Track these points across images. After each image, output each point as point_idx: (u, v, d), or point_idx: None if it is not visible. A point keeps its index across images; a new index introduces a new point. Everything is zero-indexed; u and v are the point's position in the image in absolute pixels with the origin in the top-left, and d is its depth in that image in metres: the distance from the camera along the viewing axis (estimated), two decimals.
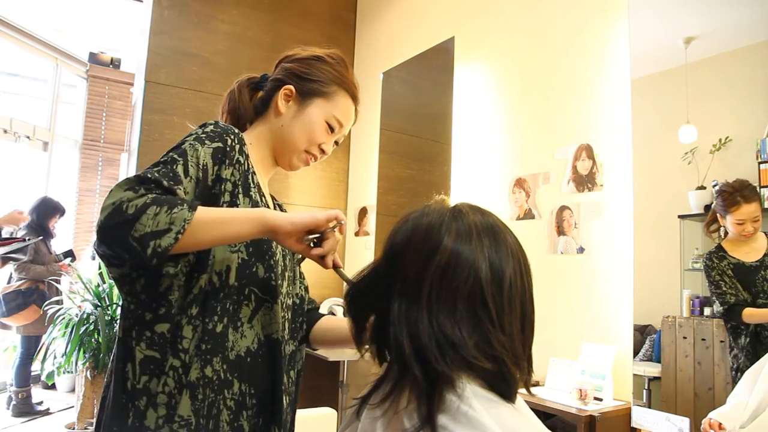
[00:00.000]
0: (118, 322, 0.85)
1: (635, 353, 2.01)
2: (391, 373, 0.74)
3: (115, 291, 3.45)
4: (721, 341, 1.82)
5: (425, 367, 0.68)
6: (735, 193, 1.78)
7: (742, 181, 1.80)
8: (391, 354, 0.74)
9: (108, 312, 3.33)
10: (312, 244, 0.89)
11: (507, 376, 0.70)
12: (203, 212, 0.81)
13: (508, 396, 0.70)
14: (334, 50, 1.13)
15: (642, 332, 2.05)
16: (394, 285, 0.74)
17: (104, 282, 3.51)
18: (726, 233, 1.82)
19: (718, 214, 1.83)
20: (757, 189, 1.77)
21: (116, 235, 0.77)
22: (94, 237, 4.52)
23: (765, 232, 1.78)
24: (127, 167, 4.14)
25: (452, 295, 0.70)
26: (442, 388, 0.67)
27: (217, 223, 0.83)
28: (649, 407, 1.91)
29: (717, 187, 1.84)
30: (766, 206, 1.74)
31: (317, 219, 0.87)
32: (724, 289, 1.80)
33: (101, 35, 5.74)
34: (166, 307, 0.88)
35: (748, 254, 1.79)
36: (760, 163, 1.76)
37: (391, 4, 3.70)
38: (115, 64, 5.83)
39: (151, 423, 0.85)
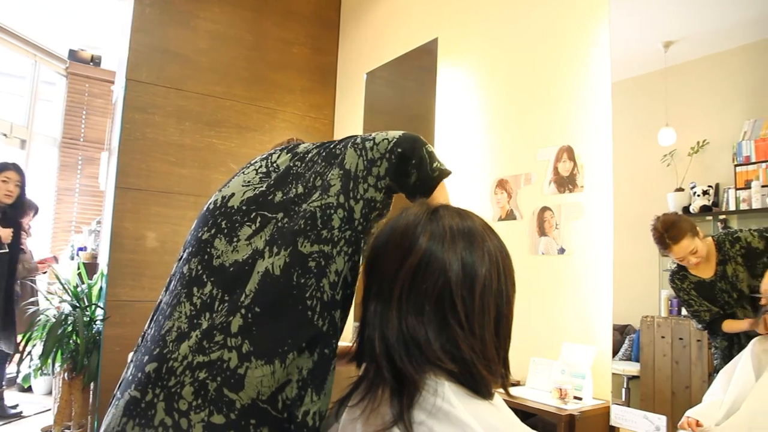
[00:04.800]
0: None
1: (615, 353, 2.04)
2: (368, 373, 0.75)
3: (95, 292, 3.41)
4: (698, 340, 1.85)
5: (393, 367, 0.69)
6: (663, 237, 1.83)
7: (666, 220, 1.85)
8: (366, 355, 0.75)
9: (87, 313, 3.28)
10: None
11: (477, 378, 0.70)
12: None
13: (484, 394, 0.70)
14: None
15: (622, 332, 2.07)
16: (372, 288, 0.75)
17: (83, 282, 3.46)
18: None
19: None
20: (686, 221, 1.81)
21: (416, 142, 0.95)
22: (73, 236, 4.43)
23: (713, 237, 1.81)
24: (108, 166, 4.09)
25: (421, 297, 0.70)
26: (410, 387, 0.67)
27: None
28: (629, 406, 1.94)
29: (651, 226, 1.88)
30: (740, 207, 1.78)
31: None
32: (696, 307, 1.84)
33: (81, 32, 5.65)
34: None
35: (704, 270, 1.83)
36: (735, 165, 1.79)
37: (374, 4, 3.70)
38: (95, 61, 5.75)
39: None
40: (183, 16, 3.44)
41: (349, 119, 3.81)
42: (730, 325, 1.76)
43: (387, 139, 0.94)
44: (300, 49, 3.91)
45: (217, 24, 3.56)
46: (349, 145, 0.94)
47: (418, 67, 3.22)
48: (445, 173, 1.00)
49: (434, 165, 0.98)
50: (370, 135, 0.96)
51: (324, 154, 0.96)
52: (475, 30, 2.83)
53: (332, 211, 0.86)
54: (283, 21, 3.84)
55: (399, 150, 0.93)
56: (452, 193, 1.03)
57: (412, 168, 0.95)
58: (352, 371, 0.82)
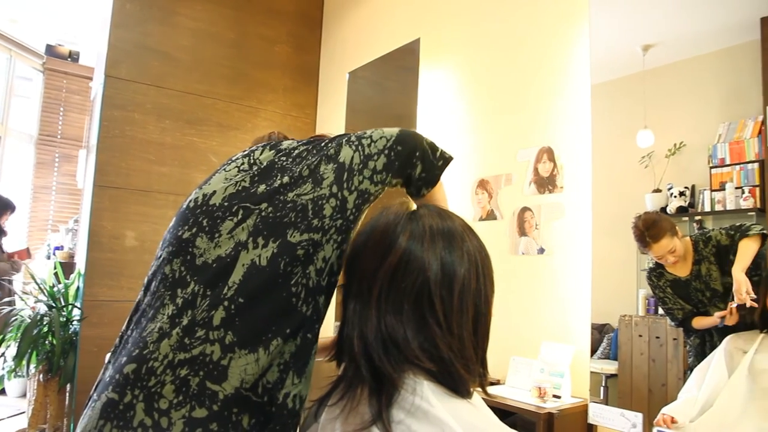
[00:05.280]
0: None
1: (594, 351, 2.06)
2: (347, 373, 0.75)
3: (71, 291, 3.36)
4: (674, 338, 1.88)
5: (372, 366, 0.69)
6: (643, 235, 1.87)
7: (647, 219, 1.89)
8: (345, 354, 0.75)
9: (63, 313, 3.23)
10: None
11: (455, 377, 0.70)
12: None
13: (462, 393, 0.71)
14: None
15: (600, 331, 2.10)
16: (352, 286, 0.75)
17: (59, 282, 3.41)
18: None
19: None
20: (667, 221, 1.86)
21: (415, 137, 0.97)
22: (49, 235, 4.34)
23: (691, 237, 1.85)
24: (86, 164, 4.03)
25: (399, 296, 0.71)
26: (389, 386, 0.68)
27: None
28: (607, 404, 1.96)
29: (632, 224, 1.93)
30: (714, 208, 1.81)
31: None
32: (670, 305, 1.88)
33: (59, 27, 5.56)
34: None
35: (681, 269, 1.87)
36: (711, 167, 1.83)
37: (357, 4, 3.70)
38: (73, 57, 5.66)
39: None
40: (164, 12, 3.40)
41: (331, 119, 3.80)
42: (699, 322, 1.80)
43: (385, 136, 0.95)
44: (282, 48, 3.89)
45: (198, 21, 3.53)
46: (343, 142, 0.94)
47: (400, 67, 3.23)
48: (448, 160, 1.03)
49: (438, 153, 1.00)
50: (365, 132, 0.96)
51: (314, 150, 0.95)
52: (457, 31, 2.85)
53: (324, 201, 0.86)
54: (266, 19, 3.82)
55: (399, 147, 0.94)
56: (447, 187, 1.06)
57: (417, 160, 0.97)
58: (332, 370, 0.82)
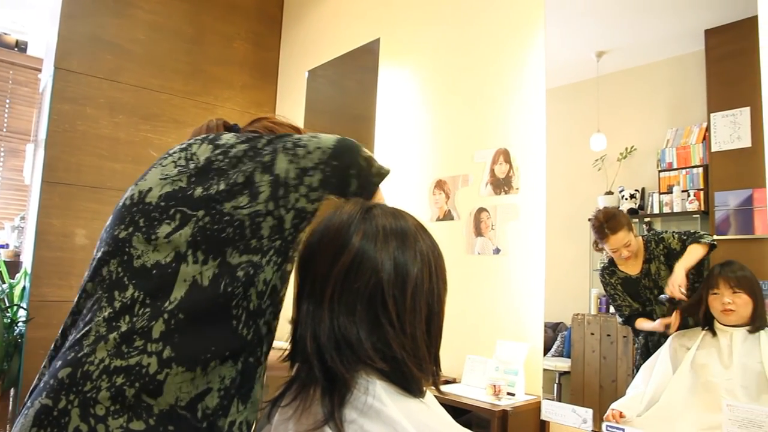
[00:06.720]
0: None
1: (548, 349, 2.11)
2: (300, 373, 0.74)
3: (16, 292, 3.22)
4: (624, 336, 1.94)
5: (324, 366, 0.69)
6: (602, 226, 1.95)
7: (607, 212, 1.96)
8: (298, 354, 0.75)
9: (7, 314, 3.10)
10: None
11: (408, 376, 0.71)
12: None
13: (414, 392, 0.71)
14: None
15: (554, 329, 2.15)
16: (305, 287, 0.75)
17: (3, 282, 3.27)
18: None
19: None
20: (624, 216, 1.93)
21: (352, 151, 0.92)
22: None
23: (643, 237, 1.92)
24: (34, 159, 3.87)
25: (352, 297, 0.71)
26: (341, 386, 0.68)
27: None
28: (560, 400, 2.01)
29: (590, 218, 2.00)
30: (662, 211, 1.88)
31: None
32: (619, 302, 1.95)
33: (5, 15, 5.32)
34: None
35: (632, 267, 1.94)
36: (659, 171, 1.89)
37: (318, 2, 3.67)
38: (20, 47, 5.42)
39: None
40: (118, 4, 3.30)
41: (290, 117, 3.75)
42: (640, 324, 1.88)
43: (320, 147, 0.90)
44: (241, 44, 3.83)
45: (155, 14, 3.44)
46: (279, 149, 0.90)
47: (359, 66, 3.23)
48: (384, 175, 0.98)
49: (373, 170, 0.95)
50: (302, 140, 0.92)
51: (251, 153, 0.91)
52: (417, 33, 2.86)
53: (261, 219, 0.83)
54: (225, 15, 3.75)
55: (335, 162, 0.89)
56: (386, 193, 1.04)
57: (352, 178, 0.92)
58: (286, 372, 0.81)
